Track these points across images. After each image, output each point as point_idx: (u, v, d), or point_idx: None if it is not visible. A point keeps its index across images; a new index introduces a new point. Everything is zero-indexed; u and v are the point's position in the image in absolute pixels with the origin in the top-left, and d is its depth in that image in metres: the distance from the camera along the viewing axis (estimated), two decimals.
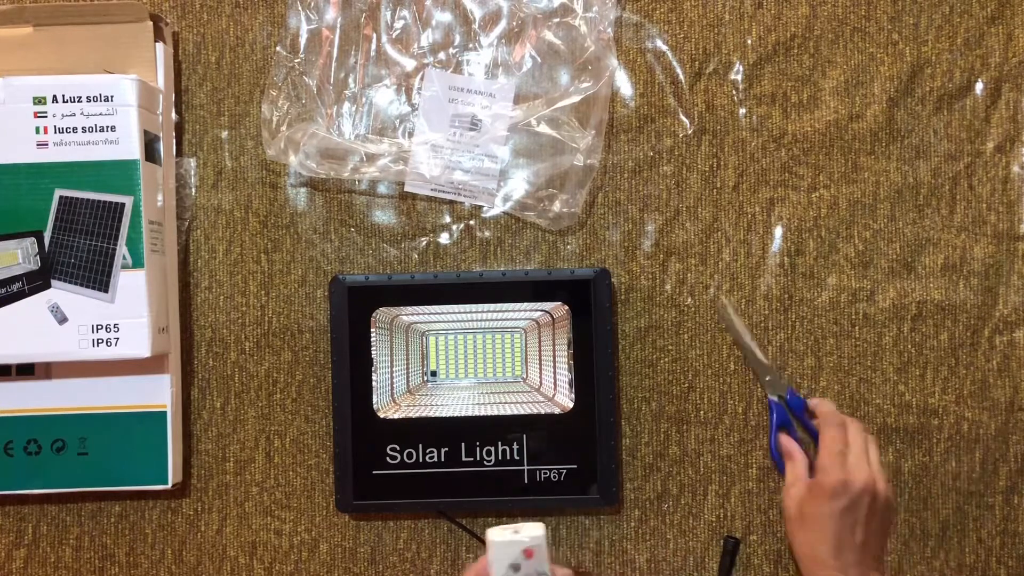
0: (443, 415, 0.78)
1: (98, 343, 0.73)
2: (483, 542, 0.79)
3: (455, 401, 0.79)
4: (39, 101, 0.73)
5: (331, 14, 0.81)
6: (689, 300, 0.81)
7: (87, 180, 0.73)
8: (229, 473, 0.81)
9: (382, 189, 0.82)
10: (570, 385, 0.78)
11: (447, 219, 0.82)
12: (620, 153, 0.81)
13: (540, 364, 0.79)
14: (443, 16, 0.81)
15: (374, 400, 0.78)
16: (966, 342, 0.80)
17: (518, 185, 0.80)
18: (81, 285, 0.73)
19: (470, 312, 0.79)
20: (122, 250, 0.73)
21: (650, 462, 0.81)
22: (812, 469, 0.74)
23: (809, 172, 0.81)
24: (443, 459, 0.78)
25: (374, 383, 0.78)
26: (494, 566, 0.65)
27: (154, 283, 0.75)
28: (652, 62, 0.82)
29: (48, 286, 0.73)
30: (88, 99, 0.73)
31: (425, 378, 0.80)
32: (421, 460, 0.78)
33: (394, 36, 0.81)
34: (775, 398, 0.80)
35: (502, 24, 0.81)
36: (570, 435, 0.78)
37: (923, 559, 0.80)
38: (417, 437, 0.78)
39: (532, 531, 0.65)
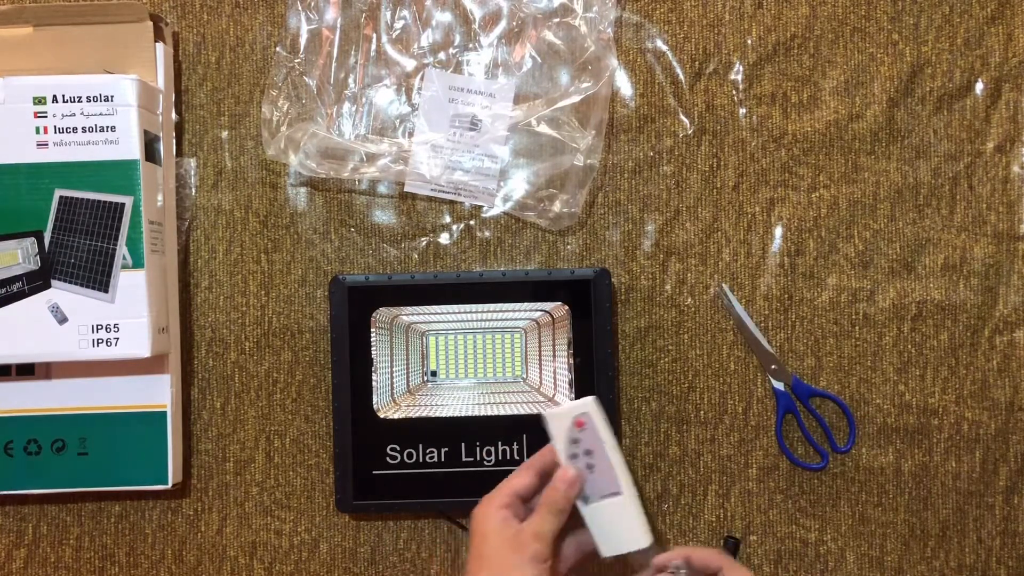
0: (443, 415, 0.78)
1: (98, 343, 0.73)
2: None
3: (455, 401, 0.79)
4: (39, 101, 0.73)
5: (331, 14, 0.81)
6: (689, 300, 0.81)
7: (87, 180, 0.73)
8: (229, 473, 0.81)
9: (382, 189, 0.82)
10: (570, 385, 0.78)
11: (447, 219, 0.82)
12: (620, 153, 0.81)
13: (540, 364, 0.79)
14: (443, 16, 0.81)
15: (374, 400, 0.78)
16: (966, 342, 0.80)
17: (518, 185, 0.80)
18: (81, 285, 0.73)
19: (470, 312, 0.79)
20: (122, 250, 0.73)
21: (650, 462, 0.81)
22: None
23: (809, 172, 0.81)
24: (443, 459, 0.78)
25: (374, 383, 0.78)
26: (556, 443, 0.67)
27: (154, 283, 0.75)
28: (652, 62, 0.82)
29: (48, 286, 0.73)
30: (88, 99, 0.73)
31: (425, 378, 0.80)
32: (421, 460, 0.78)
33: (394, 36, 0.81)
34: (780, 386, 0.80)
35: (502, 24, 0.81)
36: None
37: (923, 559, 0.80)
38: (417, 437, 0.78)
39: (580, 404, 0.66)
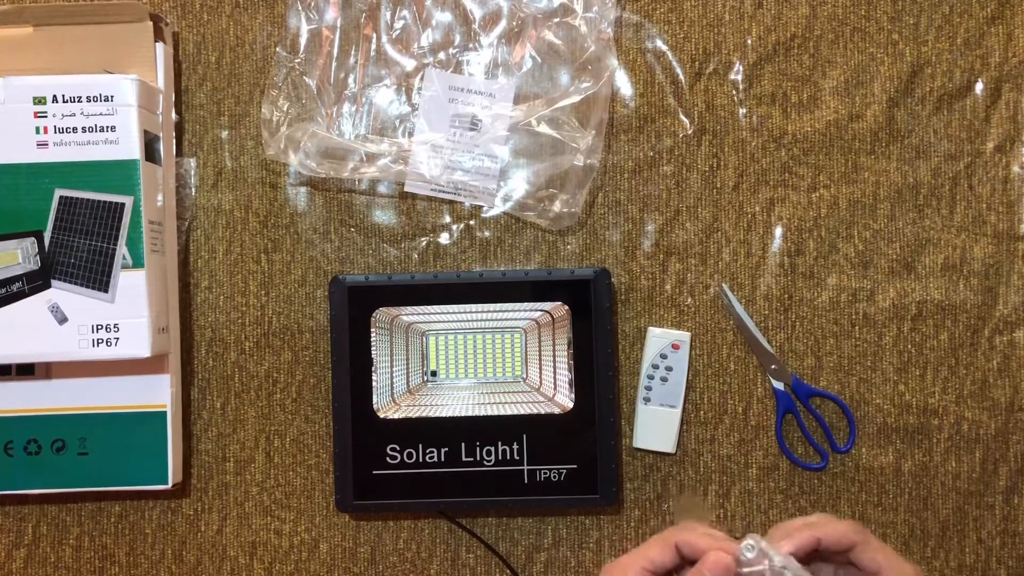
0: (443, 415, 0.78)
1: (98, 343, 0.73)
2: (483, 543, 0.80)
3: (455, 401, 0.79)
4: (39, 101, 0.73)
5: (331, 14, 0.81)
6: (689, 300, 0.81)
7: (87, 180, 0.73)
8: (229, 473, 0.81)
9: (382, 189, 0.82)
10: (570, 385, 0.78)
11: (447, 219, 0.82)
12: (620, 153, 0.81)
13: (540, 364, 0.79)
14: (443, 16, 0.81)
15: (374, 400, 0.78)
16: (966, 342, 0.80)
17: (518, 185, 0.80)
18: (81, 285, 0.73)
19: (470, 312, 0.79)
20: (122, 250, 0.73)
21: (650, 462, 0.81)
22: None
23: (809, 172, 0.81)
24: (443, 459, 0.78)
25: (374, 383, 0.78)
26: (648, 351, 0.80)
27: (154, 283, 0.75)
28: (652, 62, 0.82)
29: (48, 286, 0.73)
30: (88, 99, 0.73)
31: (425, 378, 0.80)
32: (421, 460, 0.78)
33: (394, 36, 0.81)
34: (780, 386, 0.80)
35: (502, 24, 0.81)
36: (570, 435, 0.78)
37: (923, 559, 0.80)
38: (417, 437, 0.78)
39: (682, 333, 0.80)
